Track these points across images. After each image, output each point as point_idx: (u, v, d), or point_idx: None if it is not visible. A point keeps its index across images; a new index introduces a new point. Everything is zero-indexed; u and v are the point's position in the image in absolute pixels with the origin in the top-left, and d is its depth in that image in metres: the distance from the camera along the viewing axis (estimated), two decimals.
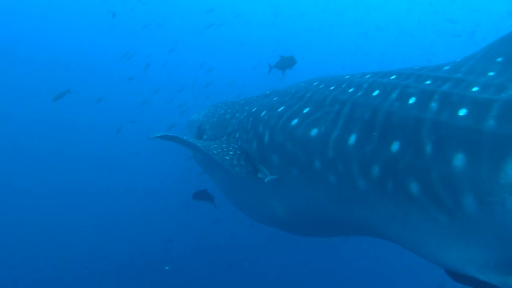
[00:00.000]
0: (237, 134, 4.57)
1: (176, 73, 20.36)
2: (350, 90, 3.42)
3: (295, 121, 3.63)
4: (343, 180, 3.13)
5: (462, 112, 2.56)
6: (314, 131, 3.38)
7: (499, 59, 2.85)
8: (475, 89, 2.65)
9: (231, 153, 4.32)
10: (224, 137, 4.82)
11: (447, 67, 3.10)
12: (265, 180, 3.83)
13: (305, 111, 3.64)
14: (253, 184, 4.33)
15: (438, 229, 2.65)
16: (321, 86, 3.86)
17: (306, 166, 3.44)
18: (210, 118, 5.57)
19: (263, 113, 4.18)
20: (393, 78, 3.25)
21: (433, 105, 2.73)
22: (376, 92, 3.16)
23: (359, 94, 3.29)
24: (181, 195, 10.33)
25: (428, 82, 2.97)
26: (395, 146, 2.77)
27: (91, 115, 15.52)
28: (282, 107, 3.97)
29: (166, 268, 9.02)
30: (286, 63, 6.95)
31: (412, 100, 2.86)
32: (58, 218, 10.82)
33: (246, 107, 4.89)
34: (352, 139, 3.05)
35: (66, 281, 8.82)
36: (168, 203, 11.25)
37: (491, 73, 2.77)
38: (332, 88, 3.68)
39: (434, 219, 2.63)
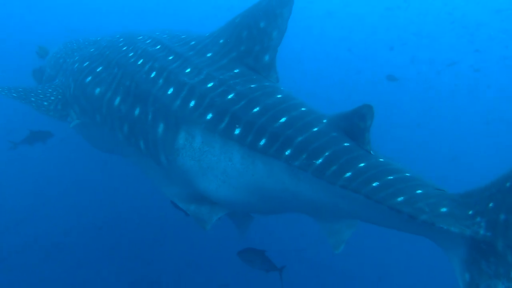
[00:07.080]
0: (63, 79, 4.97)
1: None
2: (130, 55, 4.00)
3: (88, 79, 4.20)
4: (112, 132, 3.89)
5: (170, 91, 3.40)
6: (97, 90, 4.01)
7: (221, 41, 3.56)
8: (187, 70, 3.45)
9: (52, 98, 4.73)
10: (56, 80, 5.18)
11: (193, 42, 3.75)
12: (71, 126, 4.35)
13: (98, 70, 4.19)
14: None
15: (157, 172, 3.70)
16: (120, 45, 4.31)
17: (93, 118, 4.12)
18: (53, 58, 5.83)
19: (76, 65, 4.61)
20: (157, 49, 3.85)
21: (160, 81, 3.51)
22: (140, 61, 3.82)
23: (132, 60, 3.90)
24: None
25: (170, 58, 3.66)
26: (136, 111, 3.57)
27: None
28: (87, 62, 4.43)
29: None
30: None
31: (152, 74, 3.60)
32: None
33: (76, 53, 5.14)
34: (117, 101, 3.76)
35: None
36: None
37: (208, 54, 3.54)
38: (124, 49, 4.18)
39: (154, 167, 3.65)
